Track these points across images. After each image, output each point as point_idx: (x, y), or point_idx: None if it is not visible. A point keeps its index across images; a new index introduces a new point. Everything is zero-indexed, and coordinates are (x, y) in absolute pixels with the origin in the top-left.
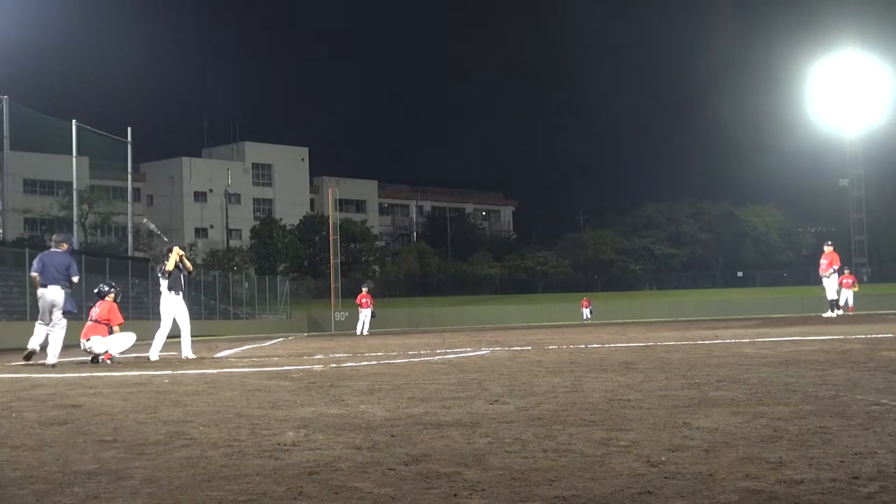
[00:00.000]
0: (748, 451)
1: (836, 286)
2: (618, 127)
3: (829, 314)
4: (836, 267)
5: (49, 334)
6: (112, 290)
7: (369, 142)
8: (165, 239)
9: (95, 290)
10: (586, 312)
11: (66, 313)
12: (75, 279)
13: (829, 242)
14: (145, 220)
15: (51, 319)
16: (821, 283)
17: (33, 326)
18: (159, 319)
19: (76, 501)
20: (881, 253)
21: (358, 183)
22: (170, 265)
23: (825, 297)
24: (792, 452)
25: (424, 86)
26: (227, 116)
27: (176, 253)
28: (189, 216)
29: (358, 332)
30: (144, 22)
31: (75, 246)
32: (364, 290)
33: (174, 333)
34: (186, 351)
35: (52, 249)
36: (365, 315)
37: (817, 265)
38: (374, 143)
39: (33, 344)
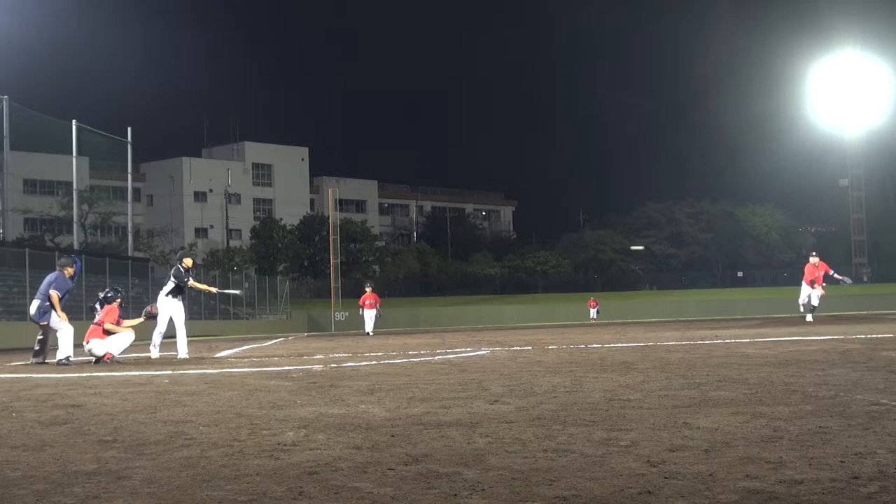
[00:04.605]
0: (748, 451)
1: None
2: (618, 127)
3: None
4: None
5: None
6: (119, 295)
7: (369, 142)
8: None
9: (101, 295)
10: (593, 312)
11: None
12: (51, 293)
13: (814, 253)
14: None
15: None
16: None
17: (33, 327)
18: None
19: (76, 501)
20: (881, 253)
21: (358, 183)
22: (198, 285)
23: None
24: (792, 452)
25: (425, 86)
26: (227, 116)
27: (203, 286)
28: (189, 216)
29: (367, 330)
30: (144, 22)
31: (77, 267)
32: (367, 290)
33: (171, 333)
34: (183, 351)
35: (57, 270)
36: (370, 315)
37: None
38: (374, 143)
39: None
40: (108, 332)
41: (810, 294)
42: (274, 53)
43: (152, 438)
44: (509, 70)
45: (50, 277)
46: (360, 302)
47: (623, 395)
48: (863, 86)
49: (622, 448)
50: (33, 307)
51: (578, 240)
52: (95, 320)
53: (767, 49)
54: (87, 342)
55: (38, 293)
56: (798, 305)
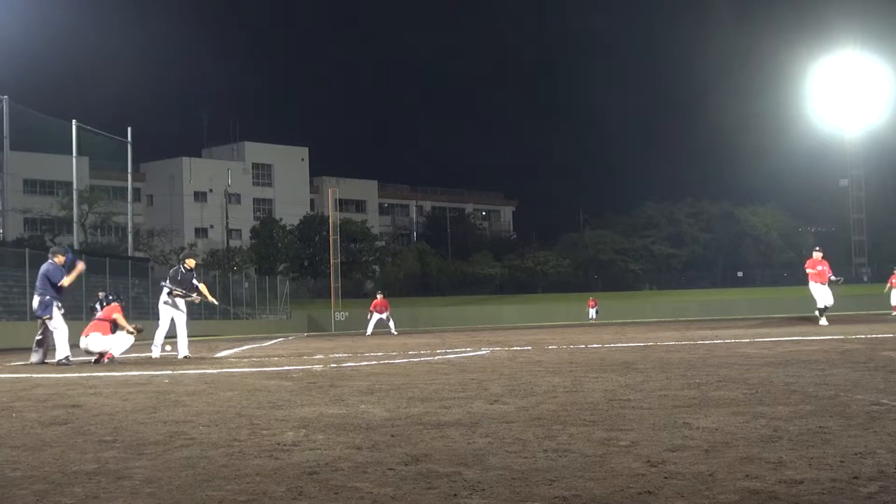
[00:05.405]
0: (748, 451)
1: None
2: (618, 127)
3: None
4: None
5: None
6: (118, 301)
7: (369, 142)
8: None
9: (101, 295)
10: (592, 312)
11: (38, 317)
12: (58, 283)
13: (818, 248)
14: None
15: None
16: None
17: (33, 326)
18: (158, 318)
19: (76, 501)
20: (881, 253)
21: (358, 183)
22: (208, 297)
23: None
24: (792, 452)
25: (424, 85)
26: (227, 116)
27: (205, 290)
28: (189, 216)
29: (368, 332)
30: (144, 22)
31: (69, 257)
32: (379, 296)
33: (172, 334)
34: (184, 351)
35: (49, 261)
36: (376, 319)
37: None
38: (374, 143)
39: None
40: (115, 325)
41: (825, 293)
42: (273, 53)
43: (152, 438)
44: (509, 70)
45: (43, 269)
46: (371, 307)
47: (623, 395)
48: (863, 86)
49: (622, 448)
50: (35, 302)
51: (578, 240)
52: (99, 316)
53: (767, 49)
54: (87, 336)
55: (36, 287)
56: (816, 310)
